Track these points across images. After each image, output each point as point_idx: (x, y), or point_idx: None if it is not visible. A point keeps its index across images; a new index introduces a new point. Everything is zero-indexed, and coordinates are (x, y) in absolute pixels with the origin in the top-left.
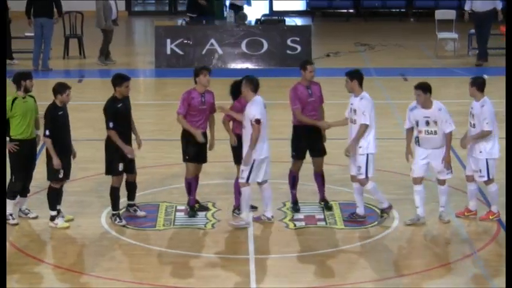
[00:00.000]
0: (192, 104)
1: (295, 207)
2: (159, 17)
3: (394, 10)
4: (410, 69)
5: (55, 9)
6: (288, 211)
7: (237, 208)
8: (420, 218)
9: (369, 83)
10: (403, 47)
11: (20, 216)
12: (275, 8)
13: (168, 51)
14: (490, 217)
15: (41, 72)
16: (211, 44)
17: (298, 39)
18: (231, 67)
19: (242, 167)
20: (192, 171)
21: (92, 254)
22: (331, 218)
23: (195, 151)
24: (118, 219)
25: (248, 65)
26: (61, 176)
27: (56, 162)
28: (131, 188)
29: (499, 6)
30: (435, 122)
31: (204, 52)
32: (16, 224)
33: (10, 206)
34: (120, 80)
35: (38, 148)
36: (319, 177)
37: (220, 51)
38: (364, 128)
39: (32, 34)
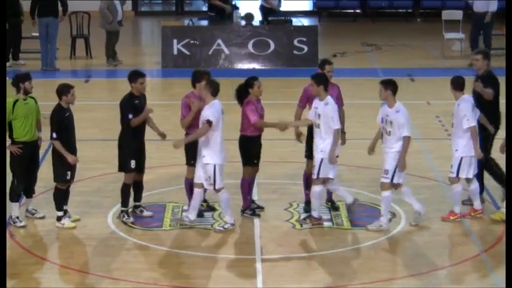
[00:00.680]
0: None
1: (306, 208)
2: (166, 17)
3: (400, 10)
4: (417, 69)
5: (60, 8)
6: (294, 211)
7: (246, 209)
8: (420, 213)
9: (375, 83)
10: (410, 47)
11: (26, 216)
12: (282, 8)
13: (175, 52)
14: (451, 218)
15: (48, 72)
16: (218, 44)
17: (305, 39)
18: (238, 67)
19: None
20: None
21: (99, 254)
22: (337, 218)
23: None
24: (126, 216)
25: (255, 65)
26: (68, 177)
27: (71, 159)
28: (138, 189)
29: (492, 8)
30: (391, 123)
31: (210, 52)
32: (23, 227)
33: (15, 208)
34: (135, 76)
35: (43, 150)
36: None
37: (227, 51)
38: (336, 133)
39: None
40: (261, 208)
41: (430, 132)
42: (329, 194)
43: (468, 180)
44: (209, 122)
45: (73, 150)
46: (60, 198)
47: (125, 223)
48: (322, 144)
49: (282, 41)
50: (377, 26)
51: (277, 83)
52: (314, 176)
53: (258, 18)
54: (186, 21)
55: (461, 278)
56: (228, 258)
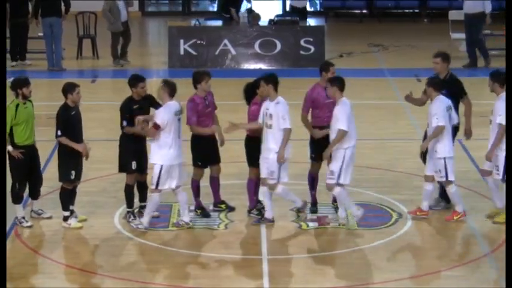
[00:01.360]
0: (199, 111)
1: (313, 208)
2: (173, 18)
3: (407, 11)
4: (424, 69)
5: (63, 8)
6: (300, 212)
7: (253, 209)
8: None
9: (382, 84)
10: (416, 48)
11: (32, 217)
12: (288, 9)
13: (182, 52)
14: (455, 217)
15: (54, 72)
16: (225, 45)
17: (311, 39)
18: (244, 67)
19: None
20: (201, 174)
21: (105, 254)
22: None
23: (205, 155)
24: (132, 217)
25: (261, 66)
26: (72, 177)
27: (81, 147)
28: (142, 189)
29: (488, 9)
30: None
31: (217, 52)
32: (30, 227)
33: (19, 209)
34: (135, 81)
35: (50, 151)
36: None
37: (233, 51)
38: (287, 133)
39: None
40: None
41: None
42: None
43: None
44: (155, 126)
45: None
46: (66, 198)
47: (130, 222)
48: (276, 145)
49: (288, 41)
50: (383, 27)
51: (283, 83)
52: (274, 181)
53: (264, 18)
54: (193, 22)
55: (467, 279)
56: (234, 258)
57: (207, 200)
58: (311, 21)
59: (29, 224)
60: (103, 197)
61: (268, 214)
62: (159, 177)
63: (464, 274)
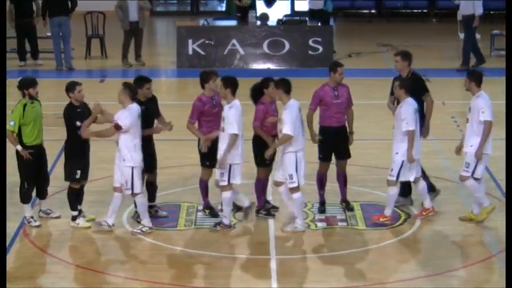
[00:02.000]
0: (205, 111)
1: (321, 208)
2: (181, 17)
3: (416, 11)
4: (433, 69)
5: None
6: (309, 212)
7: (261, 209)
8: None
9: (390, 84)
10: (425, 48)
11: (41, 216)
12: (297, 8)
13: (190, 52)
14: (424, 214)
15: (63, 72)
16: (233, 45)
17: (320, 39)
18: (253, 67)
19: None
20: (209, 174)
21: (113, 254)
22: (352, 218)
23: (213, 155)
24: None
25: (270, 66)
26: (78, 176)
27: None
28: (151, 189)
29: (478, 11)
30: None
31: (225, 52)
32: (38, 226)
33: (28, 209)
34: (140, 81)
35: (57, 151)
36: (342, 178)
37: (242, 51)
38: (234, 138)
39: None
40: (276, 208)
41: (445, 132)
42: (343, 194)
43: (414, 181)
44: (117, 126)
45: (86, 148)
46: (74, 197)
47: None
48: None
49: (297, 41)
50: (392, 27)
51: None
52: (225, 183)
53: (272, 18)
54: (201, 21)
55: (474, 279)
56: (242, 258)
57: (215, 200)
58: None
59: (37, 223)
60: (111, 196)
61: (226, 220)
62: (133, 180)
63: (474, 274)
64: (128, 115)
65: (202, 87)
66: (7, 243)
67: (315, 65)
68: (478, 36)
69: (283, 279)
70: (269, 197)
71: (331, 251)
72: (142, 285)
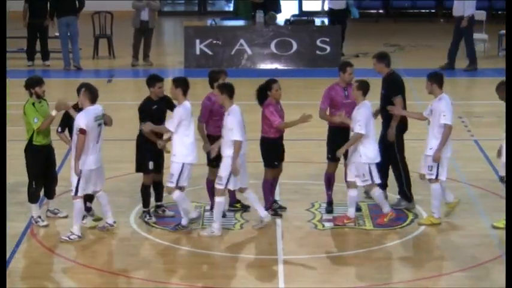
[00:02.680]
0: (214, 110)
1: (329, 208)
2: (189, 17)
3: (423, 11)
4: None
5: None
6: (316, 212)
7: (268, 209)
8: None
9: None
10: (433, 48)
11: (48, 216)
12: (304, 9)
13: (198, 52)
14: (385, 219)
15: (70, 72)
16: (241, 45)
17: (327, 39)
18: (260, 67)
19: (71, 178)
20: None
21: (121, 254)
22: (360, 219)
23: (220, 155)
24: (148, 216)
25: (277, 66)
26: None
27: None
28: (158, 189)
29: (467, 12)
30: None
31: (233, 52)
32: (46, 226)
33: (35, 208)
34: (152, 80)
35: (65, 151)
36: None
37: (249, 51)
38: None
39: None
40: (283, 208)
41: (453, 133)
42: None
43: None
44: (82, 131)
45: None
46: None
47: (147, 223)
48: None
49: (304, 41)
50: (400, 27)
51: (299, 83)
52: (172, 184)
53: (280, 18)
54: (209, 21)
55: (482, 279)
56: (249, 258)
57: None
58: (327, 21)
59: (45, 223)
60: (119, 196)
61: (184, 221)
62: (78, 182)
63: (480, 275)
64: (85, 118)
65: (211, 86)
66: (14, 244)
67: (323, 65)
68: (486, 36)
69: (290, 280)
70: (277, 197)
71: (339, 251)
72: (149, 285)
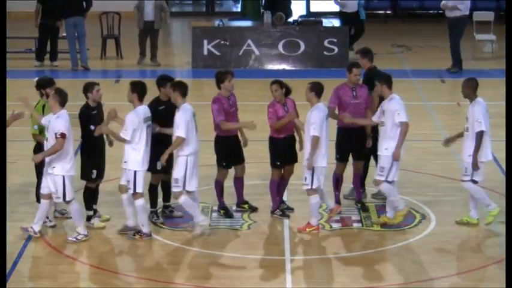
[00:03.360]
0: (225, 109)
1: None
2: (196, 18)
3: (431, 11)
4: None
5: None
6: (323, 212)
7: (276, 210)
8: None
9: (405, 84)
10: (440, 49)
11: (56, 216)
12: (312, 9)
13: (205, 52)
14: (307, 229)
15: (78, 72)
16: (248, 45)
17: (335, 40)
18: (268, 68)
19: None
20: (225, 174)
21: (128, 254)
22: (367, 219)
23: (229, 155)
24: (155, 217)
25: (285, 66)
26: (94, 176)
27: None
28: (166, 189)
29: (459, 14)
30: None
31: (241, 53)
32: (53, 226)
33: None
34: (164, 81)
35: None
36: (358, 179)
37: (257, 52)
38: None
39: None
40: (291, 209)
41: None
42: (359, 194)
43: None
44: (62, 135)
45: (100, 149)
46: (89, 197)
47: (155, 223)
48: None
49: (312, 42)
50: (407, 27)
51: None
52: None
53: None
54: (217, 22)
55: (491, 280)
56: (257, 259)
57: (230, 200)
58: (335, 22)
59: (52, 223)
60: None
61: (146, 229)
62: (64, 188)
63: (488, 276)
64: (63, 121)
65: (218, 87)
66: (22, 244)
67: (330, 65)
68: (493, 37)
69: (298, 280)
70: (285, 198)
71: (346, 251)
72: (157, 285)
